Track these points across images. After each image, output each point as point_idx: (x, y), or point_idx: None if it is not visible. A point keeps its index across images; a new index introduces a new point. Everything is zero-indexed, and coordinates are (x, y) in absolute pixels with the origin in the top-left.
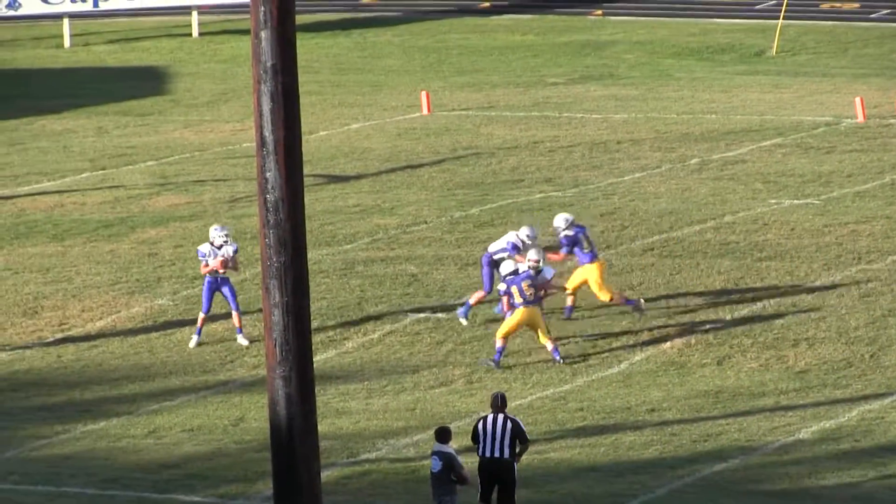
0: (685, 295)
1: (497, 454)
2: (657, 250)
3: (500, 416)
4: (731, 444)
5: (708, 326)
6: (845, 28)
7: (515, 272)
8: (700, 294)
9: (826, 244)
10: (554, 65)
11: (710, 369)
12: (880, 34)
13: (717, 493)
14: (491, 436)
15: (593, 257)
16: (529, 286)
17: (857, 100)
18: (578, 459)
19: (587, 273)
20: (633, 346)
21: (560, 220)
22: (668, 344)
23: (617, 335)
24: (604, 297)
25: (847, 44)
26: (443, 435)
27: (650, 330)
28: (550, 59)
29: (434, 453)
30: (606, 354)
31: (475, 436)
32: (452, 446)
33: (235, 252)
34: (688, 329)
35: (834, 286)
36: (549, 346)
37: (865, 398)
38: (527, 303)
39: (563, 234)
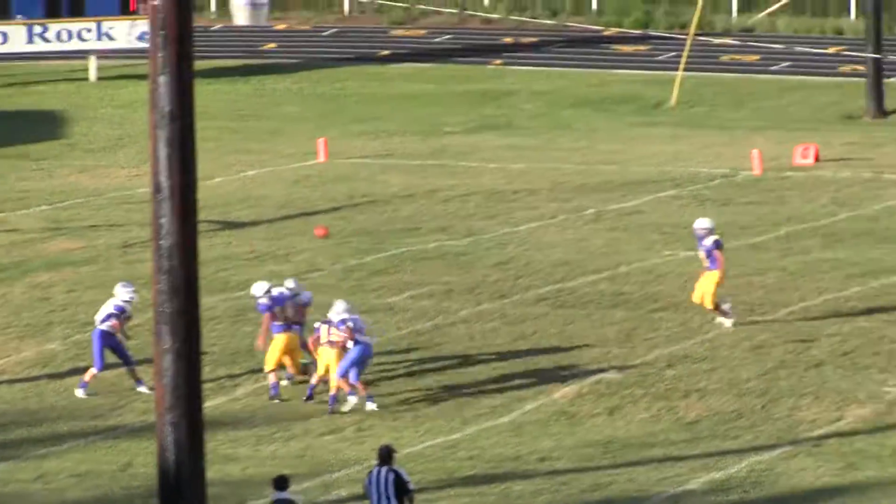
0: (578, 347)
1: None
2: (551, 300)
3: (385, 469)
4: (620, 493)
5: (599, 377)
6: (744, 80)
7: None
8: (592, 345)
9: (720, 296)
10: (452, 114)
11: (602, 419)
12: (779, 87)
13: None
14: (376, 488)
15: (287, 328)
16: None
17: (754, 152)
18: None
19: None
20: (524, 395)
21: (257, 289)
22: (560, 394)
23: (508, 384)
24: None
25: (745, 96)
26: (280, 483)
27: (541, 380)
28: (449, 108)
29: (274, 502)
30: (497, 404)
31: (365, 489)
32: (294, 495)
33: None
34: (579, 379)
35: (726, 338)
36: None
37: (755, 449)
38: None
39: (259, 301)
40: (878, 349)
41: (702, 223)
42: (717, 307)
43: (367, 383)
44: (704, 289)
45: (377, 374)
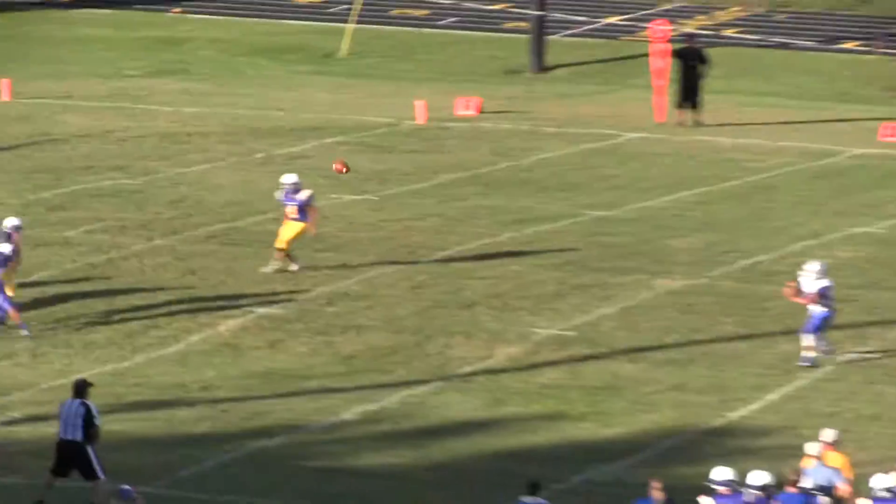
0: (244, 283)
1: (70, 436)
2: (220, 238)
3: (77, 401)
4: (278, 422)
5: (262, 311)
6: (413, 34)
7: None
8: (257, 282)
9: (381, 238)
10: (132, 58)
11: (263, 352)
12: (444, 40)
13: (263, 467)
14: (66, 418)
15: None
16: None
17: (418, 103)
18: (133, 431)
19: None
20: (191, 327)
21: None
22: (224, 327)
23: (176, 316)
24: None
25: (413, 48)
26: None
27: (207, 312)
28: (128, 53)
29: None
30: (165, 335)
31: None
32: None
33: None
34: (243, 313)
35: (385, 278)
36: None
37: (408, 384)
38: None
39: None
40: (528, 293)
41: (289, 178)
42: (286, 252)
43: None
44: (287, 234)
45: (53, 303)
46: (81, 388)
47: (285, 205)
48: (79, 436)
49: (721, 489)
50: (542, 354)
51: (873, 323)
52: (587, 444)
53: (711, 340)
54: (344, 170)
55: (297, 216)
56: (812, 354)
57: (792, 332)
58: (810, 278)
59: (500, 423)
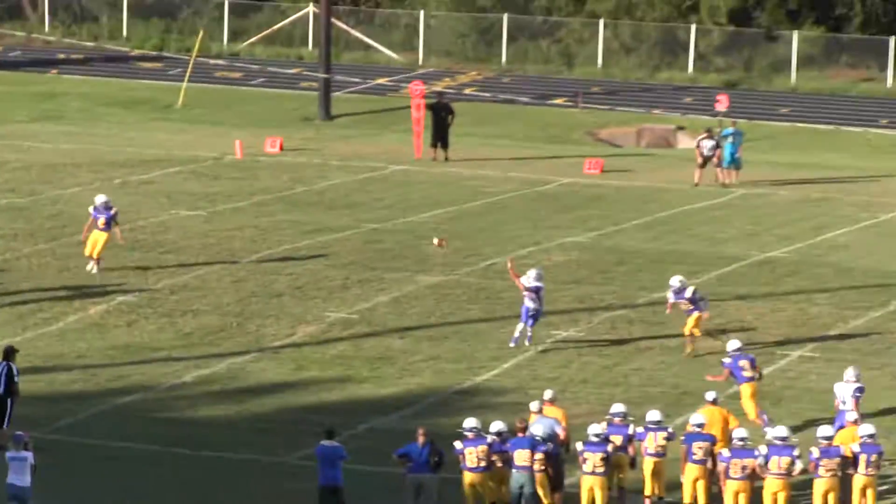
0: (108, 276)
1: None
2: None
3: (4, 363)
4: (135, 383)
5: (121, 299)
6: (232, 91)
7: None
8: (119, 276)
9: (210, 244)
10: (20, 108)
11: (122, 329)
12: (256, 96)
13: (123, 418)
14: None
15: None
16: None
17: (237, 142)
18: (24, 390)
19: None
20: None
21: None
22: (93, 310)
23: (57, 304)
24: None
25: (232, 101)
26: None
27: (79, 299)
28: (18, 104)
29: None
30: (48, 316)
31: None
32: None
33: None
34: (107, 300)
35: (214, 274)
36: None
37: (233, 354)
38: None
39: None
40: (322, 286)
41: (101, 198)
42: (98, 257)
43: None
44: (96, 242)
45: None
46: (9, 353)
47: (96, 218)
48: (1, 390)
49: (469, 434)
50: (333, 332)
51: (582, 309)
52: (369, 400)
53: (461, 322)
54: (444, 244)
55: (104, 227)
56: (517, 335)
57: (518, 317)
58: (531, 278)
59: (302, 385)
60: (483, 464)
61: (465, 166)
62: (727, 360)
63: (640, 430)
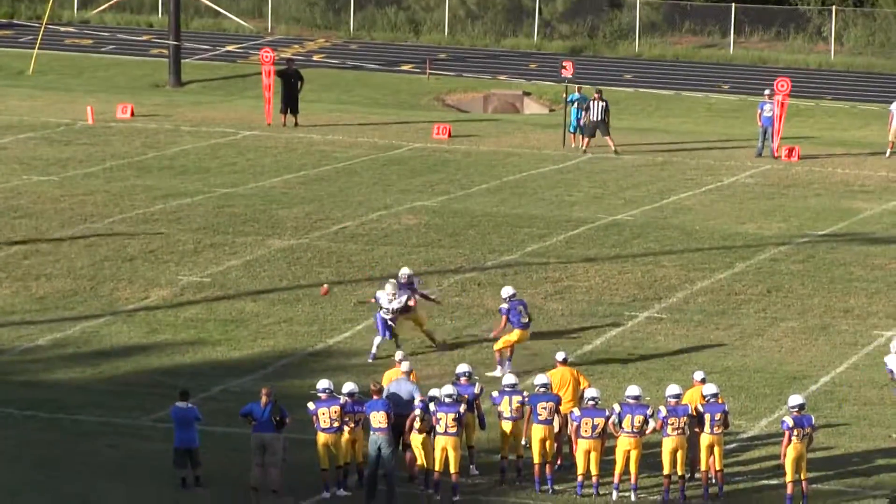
0: None
1: None
2: None
3: None
4: None
5: None
6: (83, 57)
7: None
8: None
9: (62, 208)
10: None
11: None
12: (107, 63)
13: None
14: None
15: None
16: None
17: (88, 108)
18: None
19: None
20: None
21: None
22: None
23: None
24: None
25: (83, 68)
26: None
27: None
28: None
29: None
30: None
31: None
32: None
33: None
34: None
35: (67, 238)
36: None
37: (87, 318)
38: None
39: None
40: (174, 250)
41: None
42: None
43: None
44: None
45: None
46: None
47: None
48: None
49: (322, 395)
50: (185, 296)
51: (432, 272)
52: (222, 363)
53: (312, 285)
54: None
55: None
56: (374, 350)
57: (370, 279)
58: (393, 294)
59: (156, 347)
60: (336, 424)
61: (315, 132)
62: (504, 307)
63: (495, 394)
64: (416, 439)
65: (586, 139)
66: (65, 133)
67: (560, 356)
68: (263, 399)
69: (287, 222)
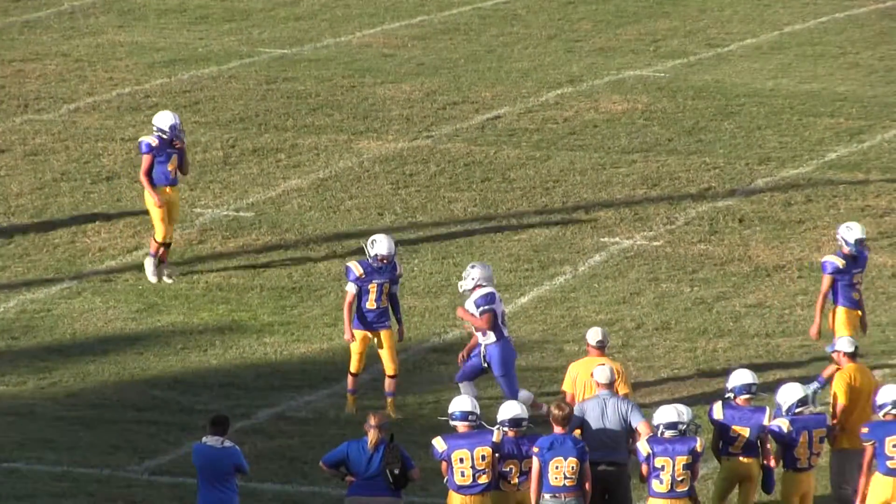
0: None
1: None
2: None
3: None
4: None
5: None
6: None
7: None
8: None
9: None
10: None
11: None
12: None
13: None
14: None
15: None
16: None
17: None
18: None
19: None
20: None
21: None
22: None
23: None
24: None
25: None
26: None
27: None
28: None
29: None
30: None
31: None
32: None
33: None
34: None
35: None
36: None
37: (29, 285)
38: None
39: None
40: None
41: None
42: None
43: None
44: None
45: None
46: None
47: None
48: None
49: (460, 426)
50: (207, 243)
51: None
52: (275, 365)
53: (437, 223)
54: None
55: None
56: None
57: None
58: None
59: (152, 337)
60: (485, 479)
61: None
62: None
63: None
64: None
65: None
66: None
67: None
68: (371, 435)
69: (393, 110)
